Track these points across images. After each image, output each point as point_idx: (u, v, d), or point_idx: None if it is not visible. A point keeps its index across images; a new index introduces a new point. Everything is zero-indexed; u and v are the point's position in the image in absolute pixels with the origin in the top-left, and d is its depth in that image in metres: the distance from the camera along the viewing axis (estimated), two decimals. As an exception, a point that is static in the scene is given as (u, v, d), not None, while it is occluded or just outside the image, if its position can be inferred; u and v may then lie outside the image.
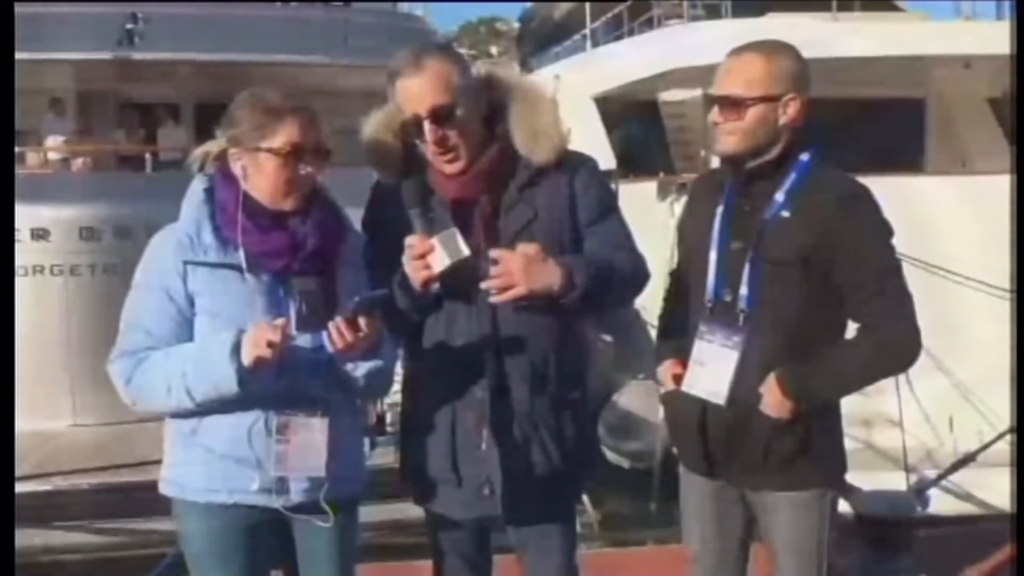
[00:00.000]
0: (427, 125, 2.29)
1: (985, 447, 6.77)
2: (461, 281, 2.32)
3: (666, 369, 2.59)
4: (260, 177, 2.28)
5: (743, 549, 2.62)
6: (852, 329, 2.48)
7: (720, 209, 2.50)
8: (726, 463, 2.50)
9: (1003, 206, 7.58)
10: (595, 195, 2.43)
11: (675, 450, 2.67)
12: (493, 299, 2.25)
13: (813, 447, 2.44)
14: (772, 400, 2.40)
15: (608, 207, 2.46)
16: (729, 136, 2.43)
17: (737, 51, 2.47)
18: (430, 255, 2.21)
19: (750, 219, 2.44)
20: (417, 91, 2.30)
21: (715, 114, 2.44)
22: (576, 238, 2.42)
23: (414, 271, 2.24)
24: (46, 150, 12.65)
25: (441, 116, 2.29)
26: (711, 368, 2.45)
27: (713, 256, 2.48)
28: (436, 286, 2.26)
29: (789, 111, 2.42)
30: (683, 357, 2.54)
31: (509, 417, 2.38)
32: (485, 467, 2.38)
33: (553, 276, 2.25)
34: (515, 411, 2.38)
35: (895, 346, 2.41)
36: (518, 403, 2.38)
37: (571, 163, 2.42)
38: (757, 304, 2.41)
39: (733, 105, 2.40)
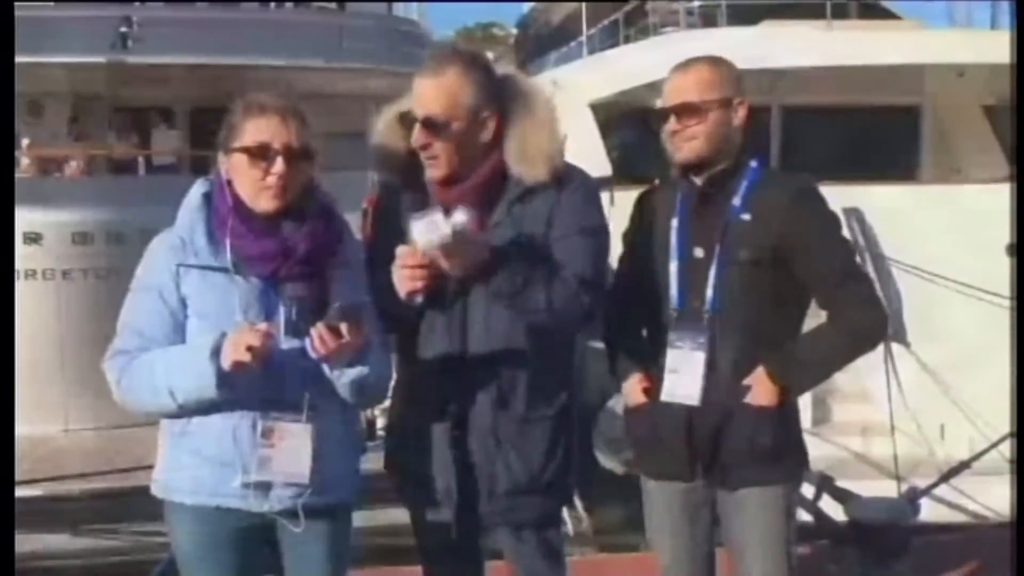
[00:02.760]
0: (417, 128, 2.33)
1: (983, 453, 6.77)
2: (444, 293, 2.34)
3: (634, 384, 2.63)
4: (236, 178, 2.29)
5: (710, 554, 2.68)
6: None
7: (675, 221, 2.57)
8: (703, 465, 2.55)
9: (997, 214, 7.60)
10: (568, 212, 2.38)
11: (639, 463, 2.69)
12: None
13: (785, 441, 2.53)
14: (761, 390, 2.48)
15: (581, 228, 2.38)
16: (691, 141, 2.53)
17: (681, 65, 2.60)
18: (414, 233, 2.16)
19: (709, 226, 2.53)
20: (423, 94, 2.33)
21: (672, 124, 2.53)
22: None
23: (400, 281, 2.26)
24: (39, 154, 12.61)
25: (432, 126, 2.32)
26: (683, 373, 2.52)
27: (674, 267, 2.55)
28: (419, 298, 2.28)
29: (740, 113, 2.56)
30: (646, 369, 2.61)
31: (474, 430, 2.41)
32: (449, 475, 2.42)
33: (480, 253, 2.22)
34: (478, 426, 2.41)
35: (865, 327, 2.56)
36: (481, 419, 2.40)
37: (563, 182, 2.39)
38: (722, 306, 2.49)
39: (693, 111, 2.51)
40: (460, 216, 2.15)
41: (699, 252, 2.53)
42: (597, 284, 2.38)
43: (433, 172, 2.36)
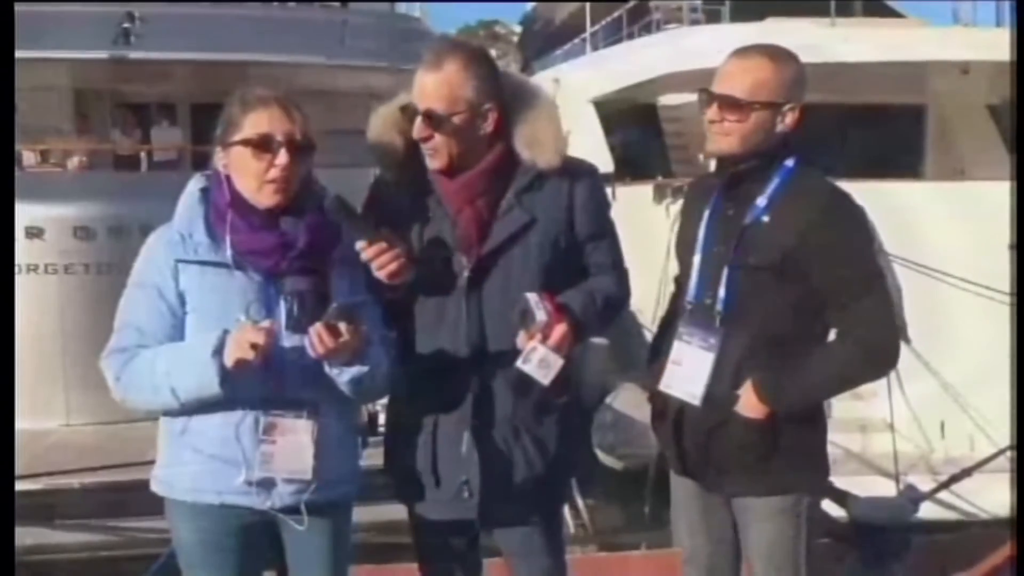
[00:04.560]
0: (418, 121, 2.33)
1: (984, 462, 6.76)
2: (440, 277, 2.36)
3: (654, 370, 2.59)
4: (236, 171, 2.28)
5: (734, 551, 2.61)
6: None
7: (707, 213, 2.50)
8: (702, 466, 2.49)
9: (1000, 212, 7.59)
10: (594, 209, 2.47)
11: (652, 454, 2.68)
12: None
13: (788, 451, 2.43)
14: (748, 403, 2.39)
15: (604, 222, 2.51)
16: (725, 136, 2.42)
17: (744, 51, 2.45)
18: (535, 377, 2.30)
19: (732, 223, 2.45)
20: (424, 87, 2.34)
21: (714, 111, 2.41)
22: (571, 245, 2.45)
23: (376, 270, 2.29)
24: (41, 149, 12.61)
25: (433, 120, 2.32)
26: (687, 368, 2.46)
27: (696, 260, 2.49)
28: (409, 275, 2.31)
29: (787, 120, 2.42)
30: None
31: (491, 421, 2.40)
32: (464, 470, 2.40)
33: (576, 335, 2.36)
34: (497, 416, 2.40)
35: (869, 352, 2.40)
36: (501, 408, 2.40)
37: (572, 171, 2.43)
38: (734, 307, 2.41)
39: (735, 106, 2.38)
40: (557, 332, 2.29)
41: (719, 248, 2.45)
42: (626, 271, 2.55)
43: (432, 163, 2.38)
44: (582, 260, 2.47)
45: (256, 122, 2.24)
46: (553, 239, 2.41)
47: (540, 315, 2.27)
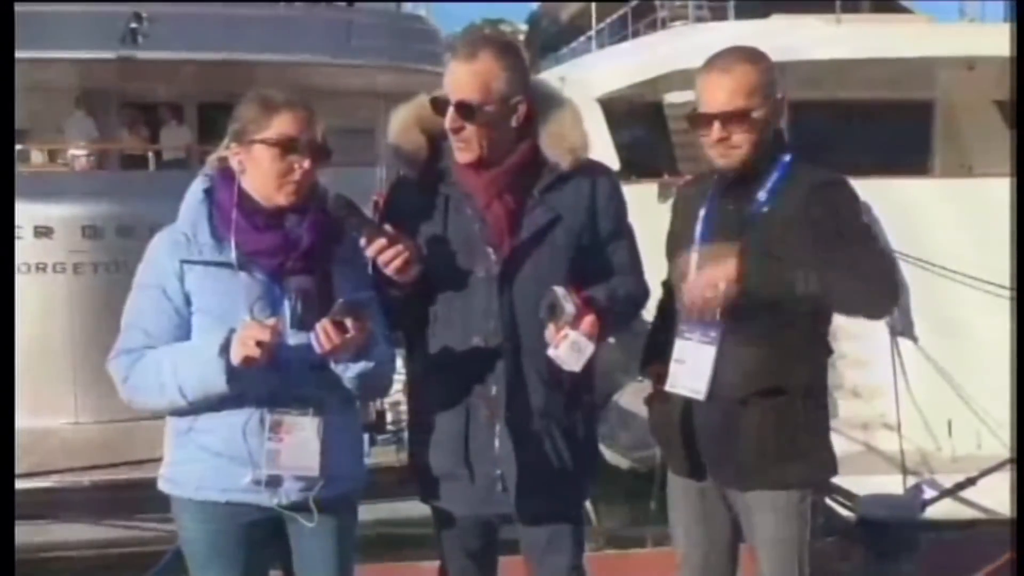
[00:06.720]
0: (450, 111, 2.36)
1: (985, 474, 6.75)
2: (466, 270, 2.37)
3: (651, 373, 2.61)
4: (254, 170, 2.30)
5: (731, 551, 2.63)
6: (840, 327, 2.49)
7: (703, 211, 2.52)
8: (711, 463, 2.50)
9: (1007, 208, 7.58)
10: (615, 209, 2.51)
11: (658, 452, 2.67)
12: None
13: (799, 447, 2.44)
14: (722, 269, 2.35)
15: (623, 224, 2.54)
16: (737, 149, 2.42)
17: (723, 64, 2.45)
18: (566, 366, 2.32)
19: (733, 218, 2.46)
20: (458, 78, 2.37)
21: (717, 130, 2.41)
22: (593, 244, 2.47)
23: (382, 266, 2.30)
24: (49, 148, 12.65)
25: (466, 110, 2.35)
26: (690, 365, 2.46)
27: (694, 257, 2.48)
28: (417, 270, 2.32)
29: (780, 109, 2.45)
30: (664, 359, 2.54)
31: (523, 414, 2.41)
32: (498, 464, 2.40)
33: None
34: (530, 409, 2.41)
35: (870, 284, 2.35)
36: (534, 401, 2.41)
37: (593, 171, 2.49)
38: (734, 300, 2.39)
39: (742, 116, 2.39)
40: (587, 322, 2.30)
41: (719, 243, 2.45)
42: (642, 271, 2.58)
43: (463, 155, 2.39)
44: (603, 260, 2.50)
45: (283, 124, 2.27)
46: (576, 237, 2.44)
47: (569, 307, 2.28)
